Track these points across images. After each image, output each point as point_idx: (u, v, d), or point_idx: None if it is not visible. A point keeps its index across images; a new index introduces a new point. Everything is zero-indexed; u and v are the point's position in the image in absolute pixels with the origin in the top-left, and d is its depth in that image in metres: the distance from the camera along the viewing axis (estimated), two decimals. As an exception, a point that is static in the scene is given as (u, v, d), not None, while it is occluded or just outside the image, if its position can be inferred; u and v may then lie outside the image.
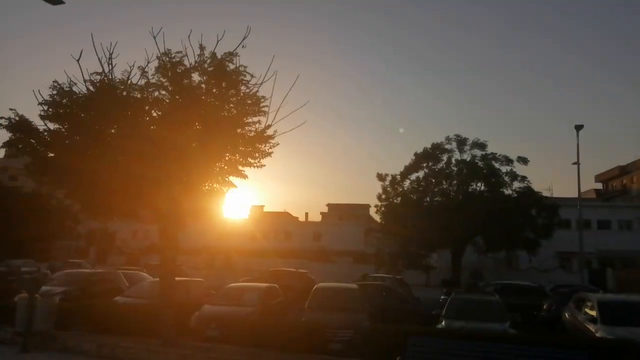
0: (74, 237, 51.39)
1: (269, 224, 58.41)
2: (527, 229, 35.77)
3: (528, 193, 36.29)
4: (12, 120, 9.85)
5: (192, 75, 9.97)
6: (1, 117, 9.89)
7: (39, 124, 9.99)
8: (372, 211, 44.31)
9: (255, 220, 61.21)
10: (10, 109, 9.96)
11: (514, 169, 36.50)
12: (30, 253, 38.49)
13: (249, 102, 10.33)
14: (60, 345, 10.88)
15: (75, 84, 9.84)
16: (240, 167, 10.67)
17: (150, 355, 10.05)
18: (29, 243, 42.61)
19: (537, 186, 38.43)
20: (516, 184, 36.57)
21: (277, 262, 37.58)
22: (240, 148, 10.43)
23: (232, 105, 10.35)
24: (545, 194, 39.36)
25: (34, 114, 10.18)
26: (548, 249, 39.28)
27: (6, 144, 10.02)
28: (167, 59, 9.78)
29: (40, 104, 9.71)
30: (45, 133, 10.01)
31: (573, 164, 31.70)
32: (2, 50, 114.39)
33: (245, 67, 10.04)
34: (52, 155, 10.12)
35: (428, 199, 36.99)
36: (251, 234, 53.48)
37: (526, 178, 36.44)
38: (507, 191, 36.61)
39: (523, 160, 36.17)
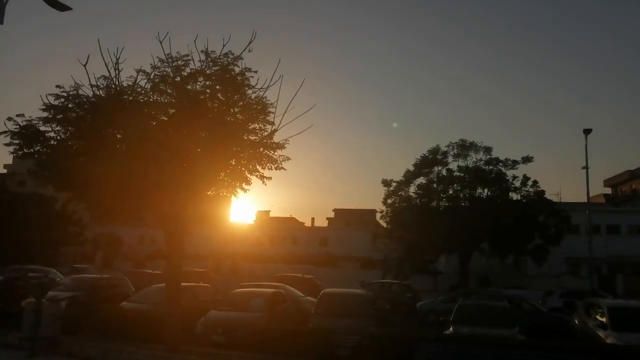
0: (80, 242, 51.58)
1: (275, 230, 58.43)
2: (536, 234, 35.51)
3: (537, 198, 36.03)
4: (21, 124, 9.93)
5: (198, 80, 9.98)
6: (10, 118, 9.98)
7: (46, 128, 10.06)
8: (378, 216, 44.17)
9: (261, 225, 61.28)
10: (18, 115, 10.05)
11: (521, 172, 36.32)
12: (37, 258, 38.63)
13: (255, 107, 10.32)
14: (66, 351, 10.89)
15: (81, 87, 9.91)
16: (248, 175, 10.67)
17: (155, 361, 10.01)
18: (35, 248, 42.79)
19: (546, 191, 38.14)
20: (525, 189, 36.36)
21: (283, 268, 37.51)
22: (247, 153, 10.42)
23: (237, 110, 10.35)
24: (554, 199, 39.10)
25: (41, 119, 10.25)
26: (557, 254, 38.93)
27: (13, 146, 10.09)
28: (169, 64, 9.79)
29: (45, 108, 9.75)
30: (52, 138, 10.07)
31: (582, 168, 31.52)
32: (10, 56, 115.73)
33: (249, 69, 10.05)
34: (58, 159, 10.17)
35: (434, 204, 36.82)
36: (257, 239, 53.50)
37: (537, 183, 36.23)
38: (516, 196, 36.39)
39: (527, 160, 35.94)
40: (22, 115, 10.05)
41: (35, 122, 10.04)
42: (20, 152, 10.23)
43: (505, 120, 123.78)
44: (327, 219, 73.30)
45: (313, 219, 69.90)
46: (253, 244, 52.76)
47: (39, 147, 10.14)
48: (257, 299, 14.21)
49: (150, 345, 10.90)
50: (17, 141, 10.02)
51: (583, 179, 45.67)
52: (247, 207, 69.81)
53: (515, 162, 35.97)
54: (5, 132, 9.97)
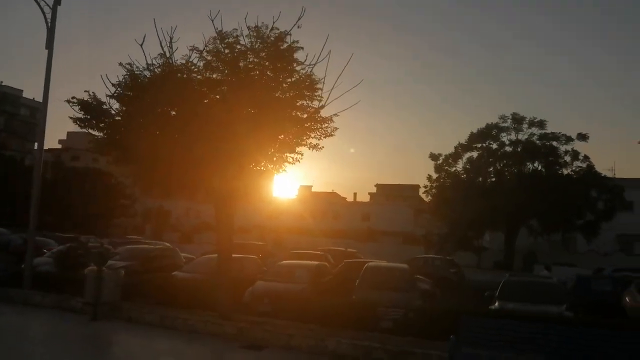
0: (131, 214, 53.73)
1: (317, 204, 58.96)
2: (587, 211, 34.39)
3: (588, 173, 34.79)
4: (89, 100, 10.48)
5: (248, 56, 10.11)
6: (73, 98, 10.54)
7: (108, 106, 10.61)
8: (422, 192, 43.81)
9: (303, 200, 61.94)
10: (85, 91, 10.65)
11: (575, 148, 35.08)
12: (91, 230, 40.70)
13: (303, 83, 10.37)
14: (125, 316, 11.52)
15: (139, 67, 10.30)
16: (297, 148, 10.83)
17: (208, 326, 10.48)
18: (89, 220, 44.99)
19: (598, 166, 36.78)
20: (577, 164, 35.17)
21: (325, 242, 37.90)
22: (295, 129, 10.56)
23: (286, 86, 10.46)
24: (607, 174, 37.64)
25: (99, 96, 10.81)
26: (608, 231, 37.60)
27: (77, 120, 10.66)
28: (221, 41, 9.95)
29: (113, 85, 10.22)
30: (114, 114, 10.58)
31: (638, 142, 30.21)
32: (67, 36, 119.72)
33: (297, 42, 10.08)
34: (117, 136, 10.68)
35: (480, 180, 36.20)
36: (299, 213, 54.16)
37: (588, 158, 34.93)
38: (567, 171, 35.27)
39: (583, 137, 34.66)
40: (87, 92, 10.63)
41: (96, 101, 10.57)
42: (85, 126, 10.79)
43: (556, 93, 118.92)
44: (369, 194, 73.27)
45: (355, 194, 70.25)
46: (295, 218, 53.47)
47: (102, 124, 10.68)
48: (301, 270, 14.57)
49: (202, 312, 11.42)
50: (82, 115, 10.58)
51: (639, 154, 43.69)
52: (289, 182, 70.56)
53: (569, 139, 34.77)
54: (72, 100, 10.53)
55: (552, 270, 22.83)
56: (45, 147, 14.94)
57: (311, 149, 10.79)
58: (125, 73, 10.24)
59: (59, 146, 71.68)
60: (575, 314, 11.74)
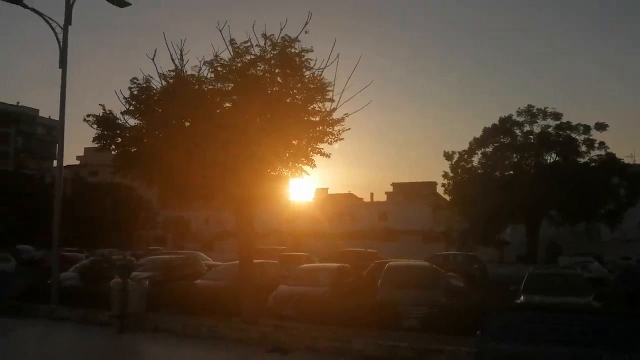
0: (151, 226, 54.35)
1: (334, 206, 58.88)
2: (608, 199, 33.85)
3: (608, 161, 34.28)
4: (103, 115, 10.67)
5: (258, 65, 10.21)
6: (89, 115, 10.75)
7: (123, 121, 10.80)
8: (439, 189, 43.58)
9: (320, 203, 61.95)
10: (100, 105, 10.83)
11: (592, 137, 34.57)
12: (114, 242, 41.21)
13: (312, 86, 10.45)
14: (151, 326, 11.61)
15: (151, 80, 10.46)
16: (311, 154, 10.89)
17: (233, 333, 10.53)
18: (111, 233, 45.63)
19: (618, 153, 36.18)
20: (595, 152, 34.67)
21: (344, 244, 37.85)
22: (308, 133, 10.63)
23: (296, 91, 10.53)
24: (628, 160, 37.06)
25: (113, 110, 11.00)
26: (632, 218, 36.95)
27: (96, 139, 10.87)
28: (235, 48, 10.06)
29: (126, 99, 10.39)
30: (128, 129, 10.76)
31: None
32: (79, 52, 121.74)
33: (306, 50, 10.13)
34: (134, 149, 10.85)
35: (498, 173, 35.91)
36: (316, 216, 54.17)
37: (604, 144, 34.38)
38: (584, 159, 34.80)
39: (601, 127, 34.16)
40: (103, 106, 10.83)
41: (112, 116, 10.77)
42: (103, 142, 10.99)
43: (574, 80, 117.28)
44: (386, 193, 72.92)
45: (372, 194, 69.86)
46: (313, 221, 53.49)
47: (119, 140, 10.88)
48: (322, 273, 14.60)
49: (226, 319, 11.50)
50: (99, 131, 10.79)
51: (660, 138, 43.04)
52: (305, 185, 70.56)
53: (587, 128, 34.31)
54: (89, 115, 10.78)
55: (573, 261, 22.34)
56: (64, 164, 15.18)
57: (323, 156, 10.86)
58: (138, 87, 10.40)
59: (77, 162, 72.88)
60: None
